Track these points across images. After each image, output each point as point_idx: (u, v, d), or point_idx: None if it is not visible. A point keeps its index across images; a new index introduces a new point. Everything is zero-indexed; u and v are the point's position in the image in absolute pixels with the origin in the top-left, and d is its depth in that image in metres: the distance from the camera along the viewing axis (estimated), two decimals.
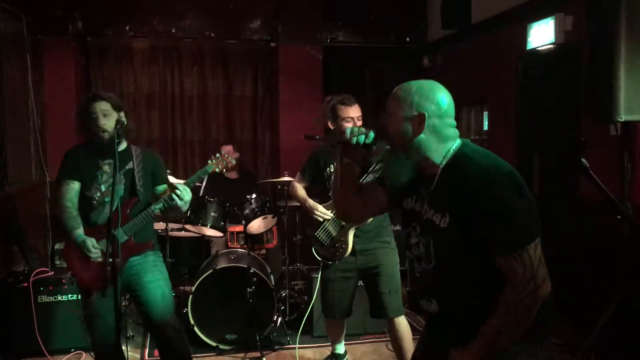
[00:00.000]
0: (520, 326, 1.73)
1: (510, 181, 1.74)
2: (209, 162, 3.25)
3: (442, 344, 1.93)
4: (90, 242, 3.10)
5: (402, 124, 1.83)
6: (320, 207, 3.56)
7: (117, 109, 3.18)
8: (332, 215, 3.51)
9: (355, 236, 3.50)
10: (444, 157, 1.83)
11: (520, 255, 1.69)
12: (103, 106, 3.14)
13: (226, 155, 3.28)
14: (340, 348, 3.99)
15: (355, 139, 1.95)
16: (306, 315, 4.31)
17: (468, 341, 1.80)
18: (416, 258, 1.94)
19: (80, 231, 3.14)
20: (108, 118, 3.13)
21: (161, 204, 3.14)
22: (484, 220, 1.71)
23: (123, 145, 3.26)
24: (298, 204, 4.95)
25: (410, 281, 2.15)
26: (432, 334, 2.04)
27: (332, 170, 3.55)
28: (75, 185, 3.20)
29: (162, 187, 3.35)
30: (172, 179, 3.60)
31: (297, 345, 4.12)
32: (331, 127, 3.58)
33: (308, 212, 3.64)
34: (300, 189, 3.76)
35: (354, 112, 3.56)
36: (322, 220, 3.55)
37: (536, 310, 1.72)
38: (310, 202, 3.65)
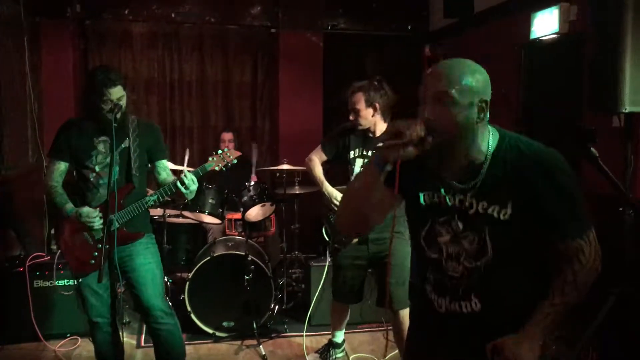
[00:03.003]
0: (576, 305, 1.73)
1: (566, 163, 1.71)
2: (210, 159, 3.23)
3: (465, 346, 1.84)
4: (86, 210, 3.07)
5: (468, 111, 1.66)
6: (339, 197, 3.48)
7: (125, 87, 3.08)
8: None
9: None
10: (489, 144, 1.73)
11: (588, 237, 1.72)
12: (119, 93, 3.02)
13: (228, 154, 3.24)
14: (340, 336, 3.97)
15: (410, 134, 1.62)
16: (312, 306, 4.29)
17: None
18: (452, 257, 1.78)
19: (70, 205, 3.11)
20: (122, 101, 3.04)
21: (156, 196, 3.14)
22: (556, 202, 1.67)
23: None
24: (297, 192, 4.96)
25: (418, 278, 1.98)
26: (454, 338, 1.87)
27: (355, 155, 3.51)
28: (61, 166, 3.18)
29: (162, 164, 3.29)
30: (170, 165, 3.56)
31: (304, 334, 4.10)
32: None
33: (324, 197, 3.58)
34: (318, 166, 3.64)
35: (351, 103, 3.47)
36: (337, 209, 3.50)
37: None
38: (328, 187, 3.58)
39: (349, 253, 3.59)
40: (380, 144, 1.67)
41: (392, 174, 1.70)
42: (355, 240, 3.49)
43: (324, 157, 3.65)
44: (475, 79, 1.67)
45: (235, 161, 3.26)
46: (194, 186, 3.05)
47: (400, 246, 3.46)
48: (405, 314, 3.49)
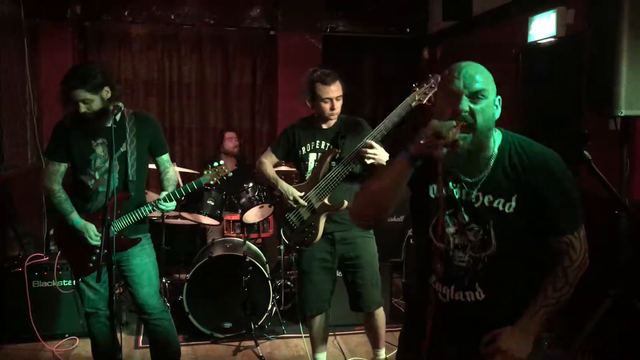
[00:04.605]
0: (567, 298, 1.81)
1: (564, 164, 1.81)
2: (205, 172, 3.29)
3: (466, 337, 1.87)
4: (92, 229, 3.12)
5: (494, 108, 1.79)
6: (296, 194, 3.25)
7: (98, 88, 2.98)
8: (306, 203, 3.25)
9: (333, 222, 3.27)
10: (494, 142, 1.82)
11: (579, 233, 1.81)
12: (81, 95, 2.95)
13: (223, 168, 3.30)
14: (322, 358, 3.60)
15: (452, 135, 1.69)
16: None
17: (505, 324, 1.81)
18: (458, 247, 1.85)
19: (76, 215, 3.13)
20: (90, 103, 2.98)
21: (150, 207, 3.17)
22: (554, 199, 1.76)
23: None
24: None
25: (420, 272, 2.01)
26: (456, 328, 1.90)
27: (307, 151, 3.32)
28: (61, 168, 3.17)
29: (161, 159, 3.33)
30: (175, 167, 3.61)
31: (302, 335, 4.09)
32: (309, 105, 3.36)
33: (281, 196, 3.33)
34: (269, 167, 3.43)
35: (332, 91, 3.24)
36: (295, 207, 3.29)
37: None
38: (284, 185, 3.32)
39: (316, 256, 3.33)
40: (421, 141, 1.71)
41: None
42: (316, 240, 3.27)
43: (275, 159, 3.48)
44: (491, 79, 1.80)
45: (230, 174, 3.34)
46: (171, 208, 3.22)
47: (368, 245, 3.37)
48: (379, 312, 3.42)
